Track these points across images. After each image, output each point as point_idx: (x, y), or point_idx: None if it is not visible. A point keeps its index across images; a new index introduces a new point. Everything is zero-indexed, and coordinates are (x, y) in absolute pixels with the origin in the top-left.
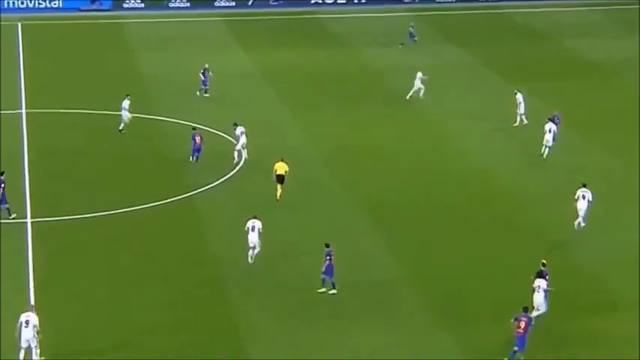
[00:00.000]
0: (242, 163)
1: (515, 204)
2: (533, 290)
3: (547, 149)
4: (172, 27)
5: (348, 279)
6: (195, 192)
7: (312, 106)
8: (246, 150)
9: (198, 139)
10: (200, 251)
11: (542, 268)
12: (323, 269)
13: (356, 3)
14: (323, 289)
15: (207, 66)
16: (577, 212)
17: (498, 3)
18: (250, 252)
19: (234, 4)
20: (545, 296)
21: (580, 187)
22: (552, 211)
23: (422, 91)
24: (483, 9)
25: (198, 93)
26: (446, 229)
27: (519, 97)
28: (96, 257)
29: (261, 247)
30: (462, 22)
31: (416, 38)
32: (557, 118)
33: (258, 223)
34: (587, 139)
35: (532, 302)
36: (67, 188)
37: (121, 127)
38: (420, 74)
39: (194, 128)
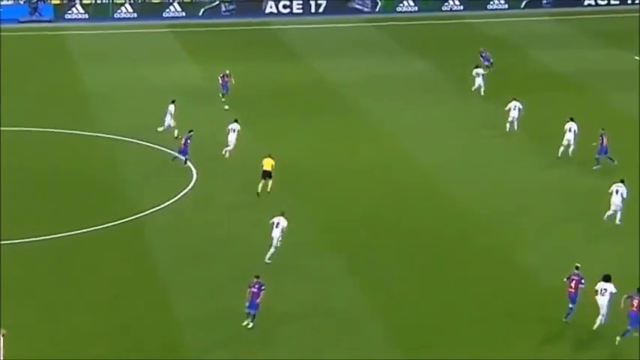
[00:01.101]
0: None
1: (475, 223)
2: (596, 293)
3: (570, 148)
4: (118, 39)
5: (304, 304)
6: (143, 214)
7: (265, 120)
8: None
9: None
10: (147, 276)
11: (576, 270)
12: (247, 303)
13: (312, 13)
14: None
15: (227, 72)
16: (610, 205)
17: (463, 13)
18: (271, 250)
19: (183, 14)
20: (610, 299)
21: (616, 182)
22: (514, 230)
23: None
24: (448, 19)
25: (222, 99)
26: (404, 251)
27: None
28: (39, 282)
29: (280, 246)
30: (425, 33)
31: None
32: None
33: (283, 221)
34: (553, 155)
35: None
36: (4, 210)
37: (175, 134)
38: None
39: (190, 131)
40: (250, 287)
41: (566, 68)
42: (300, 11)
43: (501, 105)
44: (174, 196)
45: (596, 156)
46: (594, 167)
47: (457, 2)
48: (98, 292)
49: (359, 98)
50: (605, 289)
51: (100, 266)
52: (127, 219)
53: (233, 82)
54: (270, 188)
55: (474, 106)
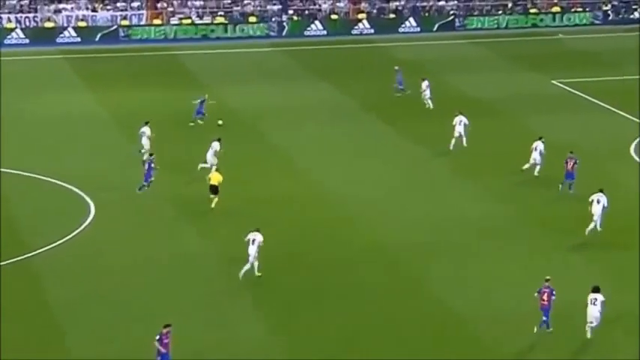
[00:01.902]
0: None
1: (390, 256)
2: (587, 304)
3: (537, 167)
4: (8, 66)
5: (209, 346)
6: (34, 253)
7: (165, 148)
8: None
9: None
10: (41, 317)
11: (547, 283)
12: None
13: (214, 39)
14: None
15: (206, 96)
16: (591, 217)
17: (374, 37)
18: (246, 266)
19: (79, 39)
20: (601, 310)
21: (596, 192)
22: (427, 262)
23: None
24: (358, 43)
25: (191, 124)
26: (311, 285)
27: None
28: None
29: (257, 260)
30: (334, 57)
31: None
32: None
33: (259, 237)
34: (468, 184)
35: (586, 316)
36: None
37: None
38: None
39: (151, 154)
40: (161, 339)
41: (482, 92)
42: (200, 37)
43: (414, 131)
44: (71, 232)
45: (565, 180)
46: (560, 189)
47: (367, 26)
48: None
49: (264, 126)
50: (596, 299)
51: None
52: (19, 258)
53: (211, 103)
54: (215, 204)
55: (386, 132)
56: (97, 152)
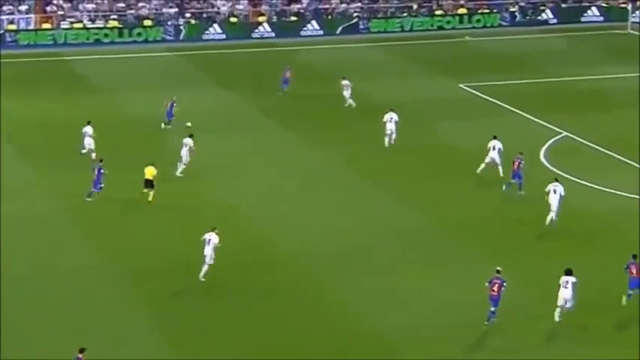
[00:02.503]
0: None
1: (300, 269)
2: (560, 286)
3: (499, 167)
4: None
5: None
6: None
7: (60, 164)
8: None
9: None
10: None
11: (498, 274)
12: None
13: (107, 43)
14: None
15: (175, 98)
16: (549, 208)
17: (275, 40)
18: (204, 268)
19: None
20: (573, 293)
21: (552, 182)
22: (339, 273)
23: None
24: (259, 47)
25: (162, 125)
26: (217, 298)
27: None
28: None
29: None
30: (233, 61)
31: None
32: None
33: (214, 237)
34: (376, 190)
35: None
36: None
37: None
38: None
39: (100, 160)
40: None
41: (388, 97)
42: (92, 42)
43: (320, 137)
44: None
45: (511, 180)
46: (504, 188)
47: (268, 29)
48: None
49: (160, 134)
50: (567, 282)
51: None
52: None
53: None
54: (152, 197)
55: (288, 139)
56: None
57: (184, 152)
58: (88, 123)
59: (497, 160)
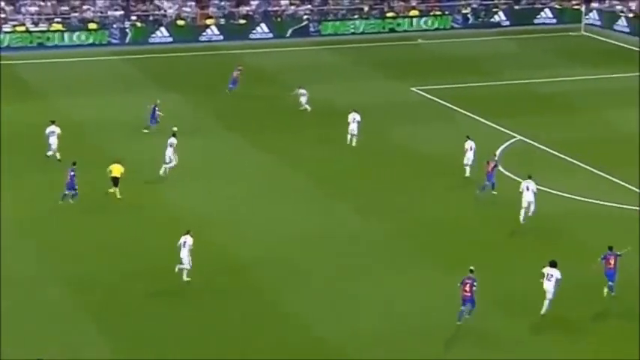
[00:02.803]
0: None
1: (247, 276)
2: (543, 277)
3: (467, 167)
4: None
5: None
6: None
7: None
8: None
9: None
10: None
11: (471, 274)
12: None
13: (51, 47)
14: None
15: (158, 102)
16: (522, 204)
17: (223, 43)
18: (184, 269)
19: None
20: (556, 285)
21: (525, 179)
22: (287, 281)
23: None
24: (206, 50)
25: (145, 130)
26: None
27: None
28: None
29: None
30: (180, 66)
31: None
32: None
33: (189, 240)
34: (334, 199)
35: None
36: None
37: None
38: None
39: (74, 163)
40: None
41: (338, 101)
42: (35, 45)
43: (268, 142)
44: None
45: (485, 183)
46: (477, 192)
47: (216, 32)
48: None
49: (106, 139)
50: (552, 275)
51: None
52: None
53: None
54: (119, 194)
55: (239, 144)
56: None
57: (170, 153)
58: (52, 122)
59: (471, 160)
